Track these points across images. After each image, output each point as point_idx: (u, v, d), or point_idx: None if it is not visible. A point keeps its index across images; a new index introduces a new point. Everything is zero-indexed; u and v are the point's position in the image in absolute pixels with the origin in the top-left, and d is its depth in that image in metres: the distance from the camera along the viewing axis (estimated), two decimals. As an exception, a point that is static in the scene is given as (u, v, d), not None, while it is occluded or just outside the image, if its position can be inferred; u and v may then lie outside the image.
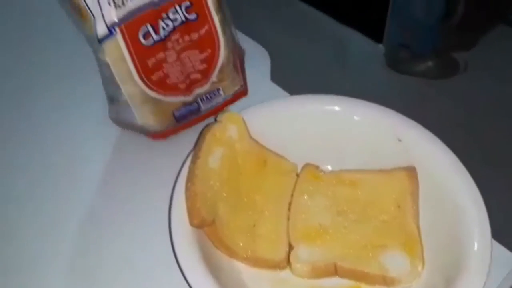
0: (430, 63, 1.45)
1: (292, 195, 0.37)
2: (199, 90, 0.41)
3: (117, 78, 0.38)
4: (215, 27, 0.40)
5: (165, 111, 0.40)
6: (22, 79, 0.51)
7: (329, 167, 0.39)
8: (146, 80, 0.38)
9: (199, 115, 0.42)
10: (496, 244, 0.34)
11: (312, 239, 0.34)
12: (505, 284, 0.34)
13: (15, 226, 0.39)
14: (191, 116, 0.42)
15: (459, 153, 0.35)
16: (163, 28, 0.37)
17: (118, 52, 0.36)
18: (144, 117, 0.40)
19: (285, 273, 0.34)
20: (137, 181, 0.41)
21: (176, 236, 0.30)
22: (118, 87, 0.38)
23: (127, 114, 0.41)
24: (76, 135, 0.45)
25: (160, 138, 0.42)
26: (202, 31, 0.39)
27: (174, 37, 0.38)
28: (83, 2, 0.34)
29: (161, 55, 0.38)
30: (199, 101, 0.42)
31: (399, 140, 0.37)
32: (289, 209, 0.36)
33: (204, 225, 0.31)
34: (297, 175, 0.38)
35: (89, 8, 0.34)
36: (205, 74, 0.41)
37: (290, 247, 0.34)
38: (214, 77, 0.42)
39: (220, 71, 0.42)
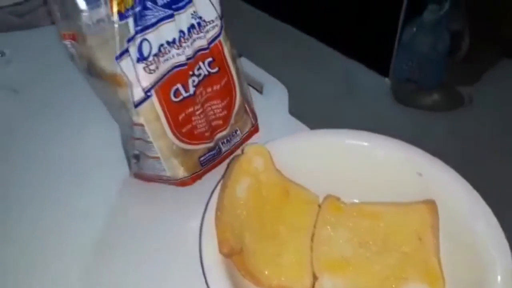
0: (436, 97, 1.48)
1: (314, 226, 0.38)
2: (220, 135, 0.44)
3: (150, 136, 0.39)
4: (232, 77, 0.42)
5: (192, 159, 0.42)
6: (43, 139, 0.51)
7: (350, 199, 0.40)
8: (177, 134, 0.40)
9: (220, 157, 0.45)
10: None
11: (336, 270, 0.35)
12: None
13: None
14: (213, 159, 0.44)
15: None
16: (191, 85, 0.39)
17: (152, 112, 0.38)
18: (174, 168, 0.41)
19: (310, 302, 0.35)
20: (166, 218, 0.42)
21: (207, 265, 0.31)
22: (149, 145, 0.39)
23: (154, 168, 0.42)
24: (97, 189, 0.45)
25: (186, 185, 0.43)
26: (223, 82, 0.42)
27: (199, 90, 0.40)
28: (120, 70, 0.35)
29: (190, 109, 0.40)
30: (220, 144, 0.44)
31: (419, 174, 0.38)
32: (312, 240, 0.37)
33: (233, 253, 0.32)
34: (319, 206, 0.39)
35: (126, 76, 0.35)
36: (225, 119, 0.43)
37: (315, 277, 0.35)
38: (232, 121, 0.44)
39: (236, 114, 0.44)
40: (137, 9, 0.35)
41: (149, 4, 0.35)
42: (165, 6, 0.36)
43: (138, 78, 0.36)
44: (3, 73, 0.57)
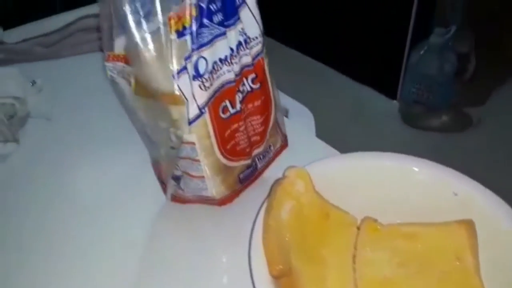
0: (444, 118, 1.49)
1: (355, 248, 0.38)
2: (256, 151, 0.44)
3: (199, 153, 0.39)
4: (271, 93, 0.43)
5: (232, 176, 0.43)
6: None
7: (387, 220, 0.41)
8: (222, 151, 0.40)
9: (256, 173, 0.45)
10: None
11: (380, 291, 0.36)
12: None
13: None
14: (251, 176, 0.45)
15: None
16: (237, 101, 0.40)
17: (204, 129, 0.38)
18: (216, 186, 0.42)
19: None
20: (207, 242, 0.43)
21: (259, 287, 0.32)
22: (195, 163, 0.40)
23: (196, 188, 0.42)
24: (134, 216, 0.45)
25: (226, 203, 0.44)
26: (263, 97, 0.43)
27: (243, 106, 0.41)
28: (177, 87, 0.35)
29: (235, 125, 0.41)
30: (257, 160, 0.45)
31: (455, 194, 0.39)
32: (353, 262, 0.37)
33: (283, 275, 0.33)
34: (358, 228, 0.40)
35: (183, 93, 0.36)
36: (263, 135, 0.44)
37: (359, 298, 0.35)
38: (267, 136, 0.45)
39: (271, 129, 0.45)
40: (194, 27, 0.35)
41: (206, 21, 0.36)
42: (219, 23, 0.37)
43: (194, 95, 0.36)
44: (36, 102, 0.58)
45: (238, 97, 0.40)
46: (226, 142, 0.40)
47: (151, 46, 0.34)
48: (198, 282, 0.39)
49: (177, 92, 0.35)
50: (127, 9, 0.34)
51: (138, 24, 0.34)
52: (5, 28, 0.71)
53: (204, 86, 0.36)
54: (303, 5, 1.43)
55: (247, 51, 0.40)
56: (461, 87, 1.49)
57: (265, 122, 0.44)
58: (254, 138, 0.43)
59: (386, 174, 0.40)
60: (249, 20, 0.39)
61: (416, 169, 0.40)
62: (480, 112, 1.51)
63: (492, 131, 1.46)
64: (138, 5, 0.34)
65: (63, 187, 0.49)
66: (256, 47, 0.40)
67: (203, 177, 0.40)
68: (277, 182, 0.37)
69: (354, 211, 0.40)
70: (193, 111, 0.37)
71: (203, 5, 0.35)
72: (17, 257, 0.42)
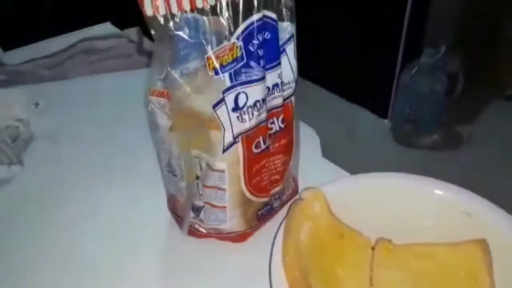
0: (435, 136, 1.51)
1: (371, 269, 0.38)
2: (274, 190, 0.45)
3: (227, 181, 0.40)
4: (294, 134, 0.45)
5: (251, 212, 0.43)
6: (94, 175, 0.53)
7: (400, 241, 0.41)
8: (248, 184, 0.41)
9: (272, 212, 0.46)
10: None
11: (397, 311, 0.36)
12: None
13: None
14: (268, 215, 0.45)
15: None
16: (267, 138, 0.41)
17: (235, 158, 0.39)
18: (236, 218, 0.42)
19: None
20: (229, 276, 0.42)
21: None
22: (221, 192, 0.41)
23: (217, 219, 0.42)
24: (148, 252, 0.44)
25: (241, 240, 0.44)
26: (288, 138, 0.44)
27: (271, 145, 0.42)
28: (217, 116, 0.37)
29: (263, 161, 0.42)
30: (273, 199, 0.45)
31: (468, 214, 0.39)
32: (371, 283, 0.37)
33: (305, 298, 0.33)
34: (372, 249, 0.40)
35: (221, 122, 0.37)
36: (282, 175, 0.45)
37: (378, 319, 0.35)
38: (286, 177, 0.46)
39: (289, 171, 0.46)
40: (238, 65, 0.37)
41: (252, 63, 0.37)
42: (264, 67, 0.38)
43: (231, 124, 0.38)
44: (39, 123, 0.58)
45: (268, 134, 0.41)
46: (253, 176, 0.41)
47: (190, 77, 0.36)
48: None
49: (216, 119, 0.37)
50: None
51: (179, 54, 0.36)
52: (4, 50, 0.71)
53: (242, 118, 0.38)
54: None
55: (280, 93, 0.41)
56: (451, 106, 1.52)
57: (286, 163, 0.45)
58: (274, 177, 0.44)
59: (400, 195, 0.41)
60: (286, 66, 0.41)
61: (429, 189, 0.41)
62: (470, 130, 1.53)
63: (482, 149, 1.48)
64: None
65: (67, 210, 0.48)
66: (288, 91, 0.42)
67: (225, 207, 0.41)
68: (295, 203, 0.38)
69: (367, 231, 0.40)
70: (228, 138, 0.38)
71: (252, 49, 0.37)
72: (20, 279, 0.41)
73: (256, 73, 0.38)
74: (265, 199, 0.43)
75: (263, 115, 0.40)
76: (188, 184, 0.41)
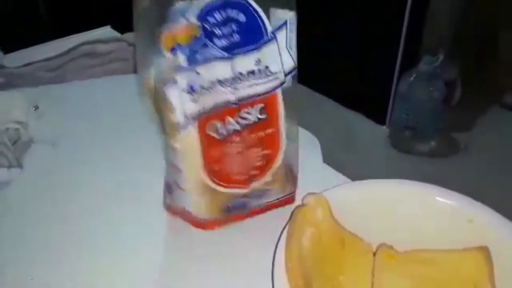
0: (432, 143, 1.52)
1: (372, 275, 0.38)
2: (252, 186, 0.43)
3: (183, 164, 0.40)
4: (280, 133, 0.43)
5: (218, 202, 0.43)
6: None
7: (402, 247, 0.41)
8: (208, 170, 0.40)
9: (248, 210, 0.45)
10: None
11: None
12: None
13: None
14: (240, 210, 0.44)
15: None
16: (235, 125, 0.40)
17: (190, 141, 0.39)
18: (196, 205, 0.42)
19: None
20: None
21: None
22: (180, 173, 0.41)
23: (182, 200, 0.43)
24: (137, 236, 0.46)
25: (207, 228, 0.44)
26: (268, 130, 0.42)
27: (243, 134, 0.41)
28: (169, 98, 0.38)
29: (226, 149, 0.40)
30: (250, 196, 0.44)
31: (470, 221, 0.39)
32: (372, 288, 0.37)
33: (308, 304, 0.33)
34: (373, 255, 0.40)
35: (171, 102, 0.38)
36: (262, 171, 0.43)
37: (380, 326, 0.35)
38: (268, 177, 0.44)
39: (275, 173, 0.44)
40: (193, 45, 0.37)
41: (208, 42, 0.37)
42: (225, 49, 0.38)
43: (184, 106, 0.38)
44: (38, 126, 0.58)
45: (238, 122, 0.40)
46: (213, 163, 0.40)
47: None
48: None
49: (169, 100, 0.38)
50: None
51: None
52: (4, 52, 0.71)
53: (195, 99, 0.38)
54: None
55: (262, 81, 0.40)
56: (449, 113, 1.52)
57: (268, 160, 0.43)
58: (251, 171, 0.43)
59: (401, 202, 0.41)
60: (274, 56, 0.40)
61: (431, 196, 0.41)
62: (467, 138, 1.54)
63: (479, 156, 1.48)
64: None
65: (66, 213, 0.48)
66: (274, 82, 0.40)
67: (186, 190, 0.41)
68: (298, 208, 0.37)
69: (369, 237, 0.40)
70: (180, 119, 0.38)
71: (208, 28, 0.37)
72: (20, 282, 0.41)
73: (214, 53, 0.37)
74: (239, 192, 0.43)
75: (223, 99, 0.39)
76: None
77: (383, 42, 1.45)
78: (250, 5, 0.38)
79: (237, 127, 0.40)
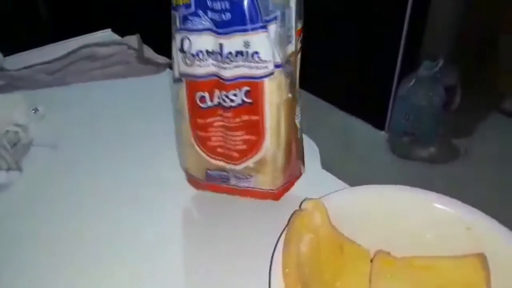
0: (432, 149, 1.52)
1: (370, 281, 0.38)
2: (232, 166, 0.45)
3: (181, 113, 0.44)
4: (264, 122, 0.43)
5: (201, 165, 0.46)
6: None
7: (399, 253, 0.41)
8: (195, 134, 0.44)
9: (228, 186, 0.46)
10: None
11: (397, 324, 0.36)
12: None
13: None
14: (220, 182, 0.46)
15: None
16: (220, 100, 0.42)
17: (182, 98, 0.43)
18: (184, 157, 0.47)
19: None
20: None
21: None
22: (180, 125, 0.45)
23: (181, 153, 0.48)
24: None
25: (192, 184, 0.48)
26: (253, 117, 0.42)
27: (228, 113, 0.42)
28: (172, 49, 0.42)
29: (209, 120, 0.43)
30: (231, 175, 0.45)
31: (468, 229, 0.39)
32: (369, 295, 0.37)
33: (305, 310, 0.33)
34: (371, 261, 0.40)
35: (172, 55, 0.42)
36: (243, 156, 0.44)
37: (377, 332, 0.35)
38: (250, 163, 0.44)
39: (260, 163, 0.44)
40: (185, 10, 0.39)
41: (200, 12, 0.39)
42: (216, 23, 0.39)
43: (178, 62, 0.42)
44: (38, 130, 0.58)
45: (223, 99, 0.42)
46: (198, 129, 0.44)
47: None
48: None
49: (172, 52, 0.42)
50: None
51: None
52: (4, 55, 0.71)
53: (186, 61, 0.41)
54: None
55: (250, 64, 0.40)
56: (448, 119, 1.53)
57: (250, 146, 0.43)
58: (232, 152, 0.44)
59: (400, 208, 0.41)
60: (264, 44, 0.40)
61: (430, 203, 0.41)
62: (467, 143, 1.54)
63: (479, 162, 1.48)
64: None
65: (66, 216, 0.48)
66: (262, 70, 0.41)
67: (181, 142, 0.46)
68: (295, 214, 0.37)
69: (367, 243, 0.40)
70: (175, 73, 0.43)
71: None
72: (18, 285, 0.41)
73: (203, 23, 0.39)
74: (216, 164, 0.45)
75: (208, 70, 0.41)
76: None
77: (383, 48, 1.45)
78: None
79: (223, 103, 0.42)
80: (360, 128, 1.61)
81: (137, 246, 0.45)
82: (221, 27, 0.39)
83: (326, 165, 0.56)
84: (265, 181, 0.46)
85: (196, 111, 0.43)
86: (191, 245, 0.45)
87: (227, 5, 0.38)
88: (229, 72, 0.41)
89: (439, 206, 0.41)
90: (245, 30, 0.39)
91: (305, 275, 0.35)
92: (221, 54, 0.40)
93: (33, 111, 0.60)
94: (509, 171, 1.39)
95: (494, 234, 0.38)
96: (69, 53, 0.70)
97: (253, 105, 0.42)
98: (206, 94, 0.42)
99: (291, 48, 0.43)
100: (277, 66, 0.42)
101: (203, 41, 0.40)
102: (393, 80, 1.52)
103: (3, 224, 0.47)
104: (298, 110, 0.46)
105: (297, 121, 0.46)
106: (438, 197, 0.41)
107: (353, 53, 1.57)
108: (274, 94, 0.42)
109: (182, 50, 0.41)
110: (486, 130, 1.58)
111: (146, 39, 0.75)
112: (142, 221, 0.47)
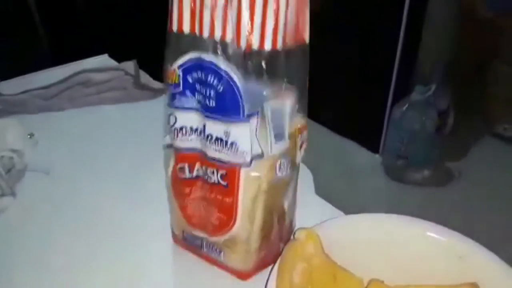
0: (425, 172, 1.53)
1: (364, 310, 0.38)
2: (204, 236, 0.44)
3: (167, 176, 0.45)
4: (237, 205, 0.41)
5: (180, 225, 0.46)
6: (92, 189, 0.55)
7: (392, 282, 0.41)
8: (175, 194, 0.45)
9: (201, 252, 0.46)
10: None
11: None
12: None
13: None
14: (193, 247, 0.46)
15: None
16: (199, 174, 0.43)
17: (169, 159, 0.45)
18: (172, 217, 0.47)
19: None
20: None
21: None
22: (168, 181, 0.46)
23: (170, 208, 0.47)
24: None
25: (176, 242, 0.48)
26: (226, 199, 0.42)
27: (205, 187, 0.42)
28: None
29: (187, 190, 0.44)
30: (203, 243, 0.45)
31: (460, 258, 0.40)
32: (363, 324, 0.37)
33: None
34: (365, 290, 0.40)
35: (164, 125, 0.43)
36: (215, 230, 0.43)
37: None
38: (221, 239, 0.43)
39: (231, 241, 0.43)
40: (176, 90, 0.41)
41: (188, 93, 0.41)
42: (202, 106, 0.40)
43: (167, 135, 0.44)
44: (33, 154, 0.58)
45: (201, 172, 0.42)
46: (176, 197, 0.45)
47: None
48: None
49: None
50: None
51: None
52: (0, 79, 0.71)
53: (172, 137, 0.43)
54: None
55: (227, 152, 0.40)
56: (442, 142, 1.54)
57: (222, 223, 0.42)
58: (206, 225, 0.44)
59: (393, 237, 0.41)
60: (244, 137, 0.39)
61: (422, 231, 0.41)
62: (460, 166, 1.55)
63: (473, 185, 1.49)
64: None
65: (60, 242, 0.48)
66: (239, 159, 0.40)
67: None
68: (289, 243, 0.38)
69: (360, 272, 0.40)
70: (166, 140, 0.44)
71: (190, 79, 0.40)
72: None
73: (190, 102, 0.41)
74: (191, 230, 0.45)
75: (190, 144, 0.42)
76: None
77: (377, 72, 1.47)
78: (233, 81, 0.38)
79: (204, 176, 0.42)
80: (354, 151, 1.62)
81: (133, 271, 0.45)
82: (206, 111, 0.40)
83: (321, 189, 0.57)
84: (235, 259, 0.44)
85: (176, 179, 0.44)
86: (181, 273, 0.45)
87: (212, 93, 0.39)
88: (210, 152, 0.41)
89: (431, 234, 0.41)
90: (226, 120, 0.39)
91: (298, 305, 0.35)
92: (204, 133, 0.41)
93: (28, 136, 0.60)
94: (502, 195, 1.39)
95: (486, 263, 0.39)
96: (65, 79, 0.70)
97: (228, 188, 0.41)
98: (186, 166, 0.43)
99: (284, 144, 0.41)
100: (256, 157, 0.40)
101: (189, 119, 0.41)
102: (387, 104, 1.54)
103: (-4, 250, 0.47)
104: (291, 189, 0.45)
105: (286, 205, 0.45)
106: (431, 226, 0.41)
107: (348, 77, 1.59)
108: (250, 185, 0.41)
109: (168, 123, 0.42)
110: (480, 153, 1.59)
111: (142, 65, 0.76)
112: (140, 248, 0.47)
